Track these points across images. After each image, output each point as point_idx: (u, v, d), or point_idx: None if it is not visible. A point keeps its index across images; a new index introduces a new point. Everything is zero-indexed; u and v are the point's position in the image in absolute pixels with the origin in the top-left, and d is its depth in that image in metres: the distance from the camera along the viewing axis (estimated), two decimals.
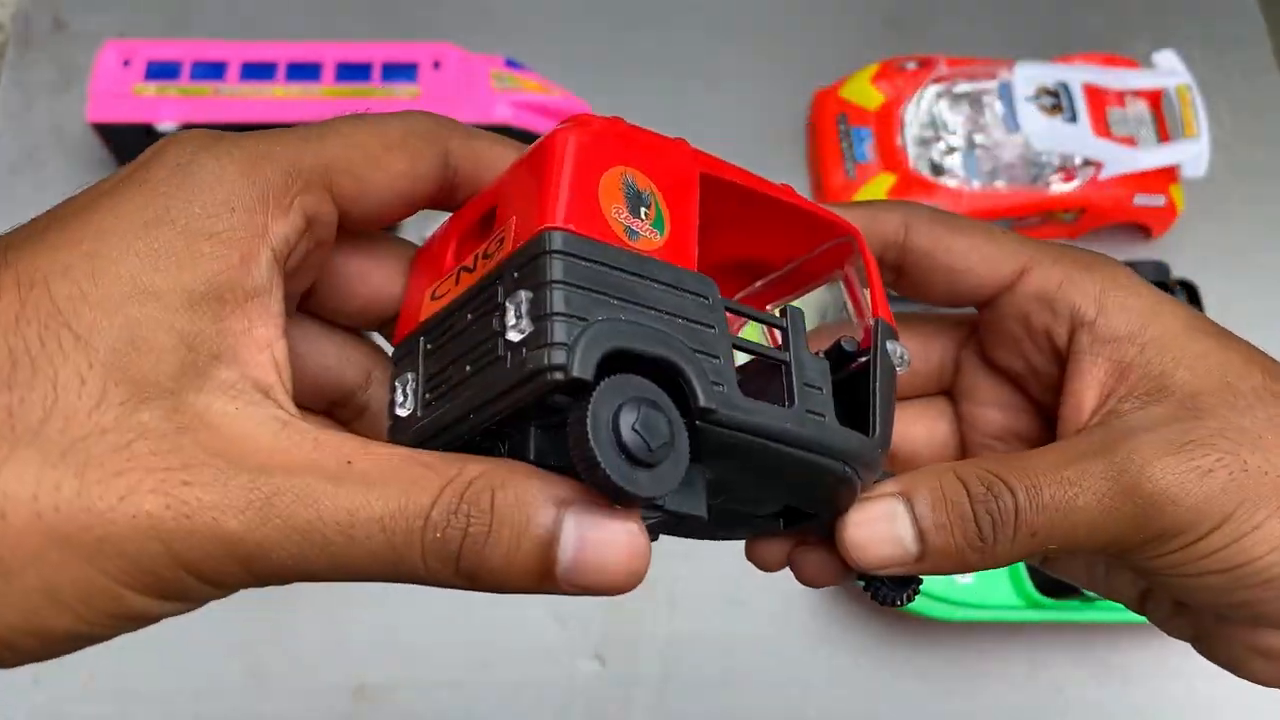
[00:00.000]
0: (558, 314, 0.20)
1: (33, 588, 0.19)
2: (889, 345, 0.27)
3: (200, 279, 0.21)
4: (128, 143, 0.73)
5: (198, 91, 0.72)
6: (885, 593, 0.29)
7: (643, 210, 0.23)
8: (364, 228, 0.25)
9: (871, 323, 0.28)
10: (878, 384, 0.26)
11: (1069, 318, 0.29)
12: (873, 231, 0.31)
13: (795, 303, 0.28)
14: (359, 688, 0.64)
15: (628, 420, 0.20)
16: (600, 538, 0.21)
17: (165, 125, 0.71)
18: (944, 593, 0.63)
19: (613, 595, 0.22)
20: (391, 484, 0.20)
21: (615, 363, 0.21)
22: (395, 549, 0.20)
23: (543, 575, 0.21)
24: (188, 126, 0.70)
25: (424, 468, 0.21)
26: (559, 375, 0.20)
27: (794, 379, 0.24)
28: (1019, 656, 0.67)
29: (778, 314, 0.26)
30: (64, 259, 0.20)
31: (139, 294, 0.20)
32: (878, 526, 0.27)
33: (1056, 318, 0.30)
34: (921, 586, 0.29)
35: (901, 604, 0.29)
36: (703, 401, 0.22)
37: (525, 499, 0.21)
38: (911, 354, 0.29)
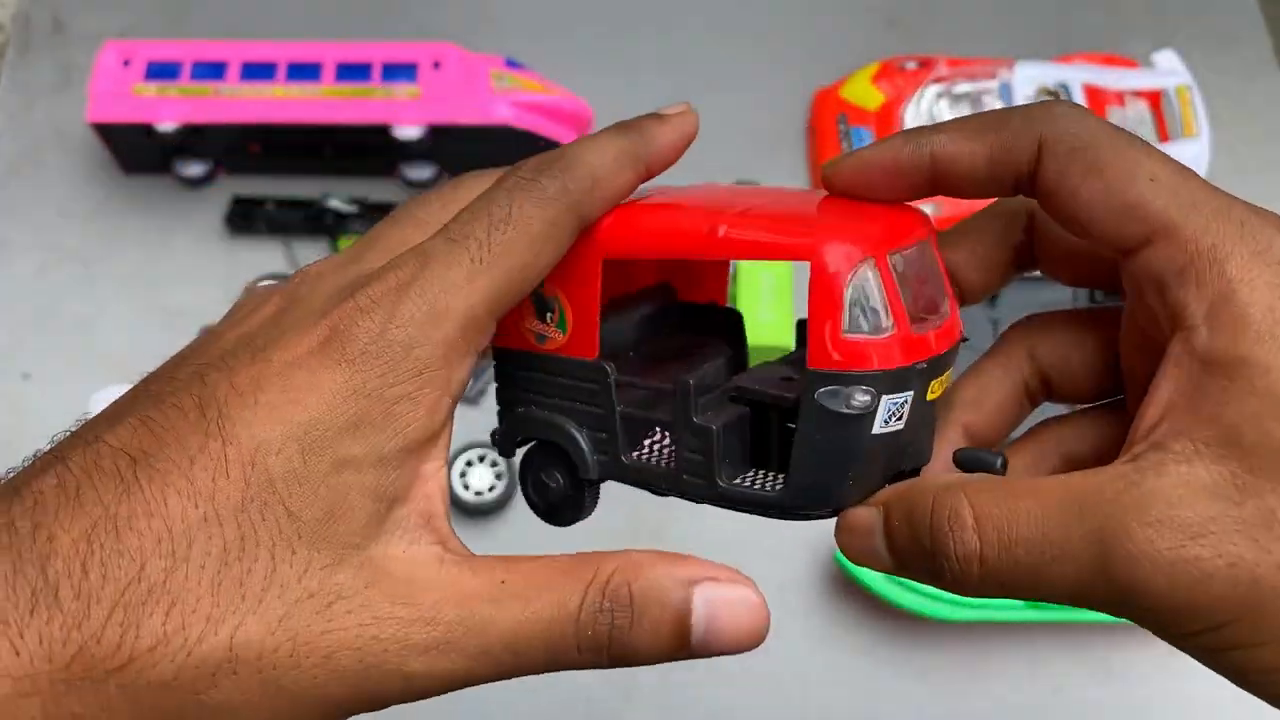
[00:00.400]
0: (499, 408, 0.30)
1: None
2: (845, 392, 0.25)
3: (392, 440, 0.24)
4: (128, 143, 0.74)
5: (198, 91, 0.72)
6: None
7: (548, 315, 0.28)
8: None
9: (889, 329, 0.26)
10: (802, 438, 0.26)
11: (1173, 315, 0.24)
12: (1000, 165, 0.26)
13: None
14: None
15: (533, 481, 0.30)
16: (727, 607, 0.24)
17: (165, 125, 0.71)
18: (943, 593, 0.63)
19: (742, 653, 0.25)
20: (542, 595, 0.24)
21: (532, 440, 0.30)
22: (554, 651, 0.24)
23: (679, 647, 0.24)
24: (188, 126, 0.71)
25: (564, 574, 0.24)
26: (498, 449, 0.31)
27: (678, 448, 0.28)
28: (1018, 656, 0.67)
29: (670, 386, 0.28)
30: (277, 437, 0.23)
31: (339, 466, 0.23)
32: (858, 535, 0.26)
33: (1165, 309, 0.24)
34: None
35: None
36: (581, 473, 0.29)
37: (659, 585, 0.24)
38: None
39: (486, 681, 0.25)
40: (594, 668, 0.24)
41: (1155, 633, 0.24)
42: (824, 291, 0.26)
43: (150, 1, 0.85)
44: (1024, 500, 0.23)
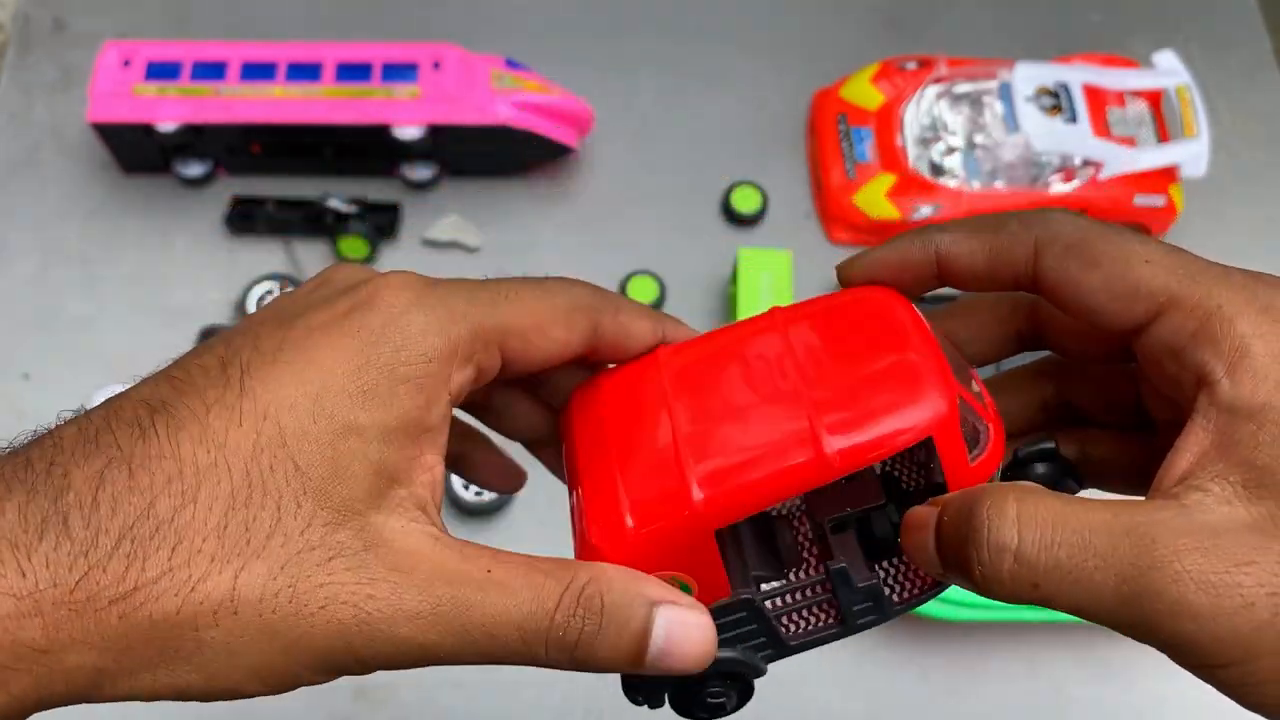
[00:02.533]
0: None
1: (243, 666, 0.24)
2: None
3: (395, 417, 0.26)
4: (128, 143, 0.74)
5: (198, 91, 0.72)
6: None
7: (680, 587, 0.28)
8: (515, 375, 0.30)
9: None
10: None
11: (1195, 375, 0.25)
12: (1000, 264, 0.28)
13: None
14: (359, 688, 0.64)
15: (704, 705, 0.30)
16: (683, 629, 0.27)
17: (165, 125, 0.71)
18: (950, 595, 0.63)
19: (687, 673, 0.28)
20: (524, 590, 0.25)
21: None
22: (527, 644, 0.25)
23: (636, 658, 0.27)
24: (188, 126, 0.71)
25: (545, 575, 0.26)
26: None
27: (845, 623, 0.29)
28: (1018, 656, 0.67)
29: (823, 574, 0.29)
30: (291, 395, 0.25)
31: (347, 431, 0.25)
32: (914, 531, 0.27)
33: (1184, 371, 0.26)
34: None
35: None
36: (754, 676, 0.29)
37: (627, 600, 0.26)
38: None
39: (461, 662, 0.26)
40: (555, 667, 0.26)
41: (1182, 662, 0.24)
42: (947, 441, 0.26)
43: (150, 2, 0.85)
44: (1073, 507, 0.24)
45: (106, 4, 0.85)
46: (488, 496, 0.67)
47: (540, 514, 0.69)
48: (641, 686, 0.30)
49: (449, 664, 0.26)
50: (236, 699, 0.25)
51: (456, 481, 0.67)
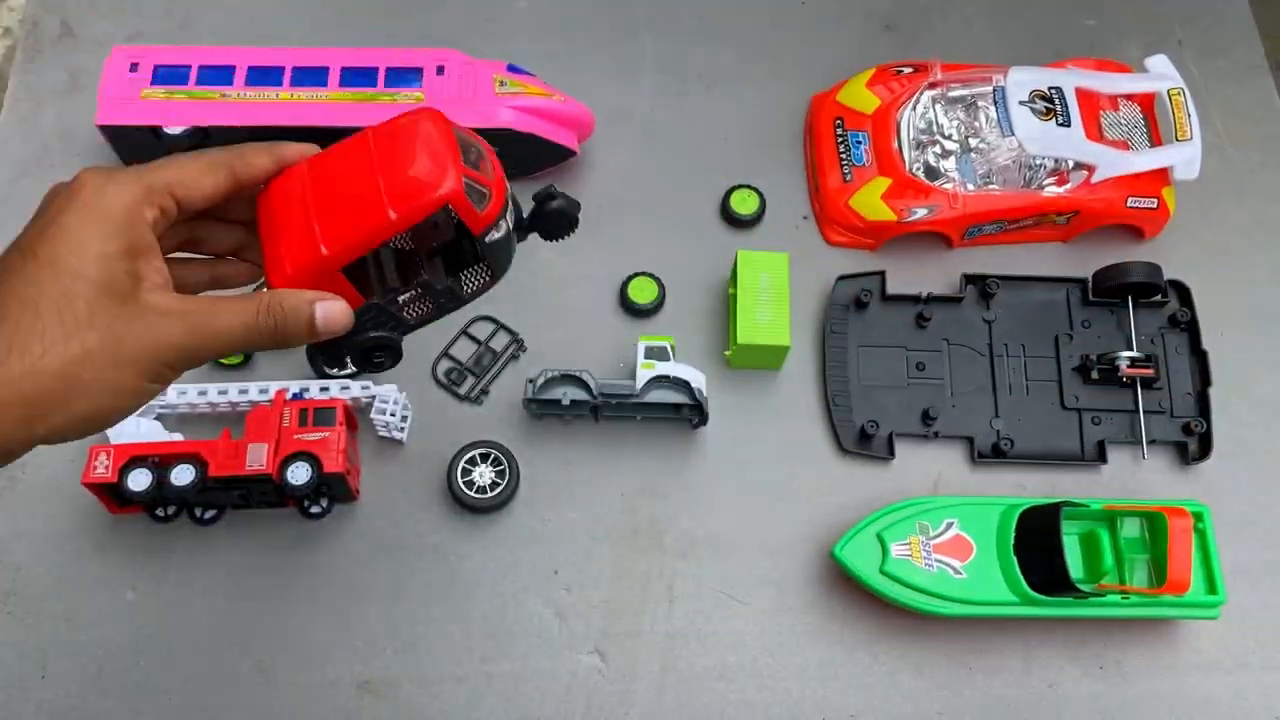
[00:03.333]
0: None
1: (110, 390, 0.41)
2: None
3: (121, 247, 0.41)
4: (135, 145, 0.75)
5: (205, 96, 0.73)
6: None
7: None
8: (194, 211, 0.45)
9: None
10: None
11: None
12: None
13: None
14: (363, 682, 0.65)
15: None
16: (330, 311, 0.44)
17: (173, 128, 0.72)
18: (939, 588, 0.64)
19: (339, 335, 0.45)
20: (238, 307, 0.42)
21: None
22: (248, 334, 0.42)
23: (310, 333, 0.44)
24: (196, 130, 0.72)
25: (248, 300, 0.43)
26: None
27: (440, 307, 0.49)
28: (1013, 652, 0.68)
29: None
30: (64, 254, 0.40)
31: (103, 259, 0.41)
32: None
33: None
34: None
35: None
36: (391, 344, 0.49)
37: (296, 300, 0.43)
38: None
39: (215, 355, 0.42)
40: (267, 348, 0.44)
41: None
42: (460, 203, 0.44)
43: (157, 7, 0.86)
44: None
45: (113, 9, 0.86)
46: (488, 495, 0.68)
47: (541, 512, 0.70)
48: (321, 354, 0.47)
49: (209, 357, 0.42)
50: (111, 419, 0.41)
51: (460, 483, 0.68)
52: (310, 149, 0.47)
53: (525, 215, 0.50)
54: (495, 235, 0.46)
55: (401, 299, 0.47)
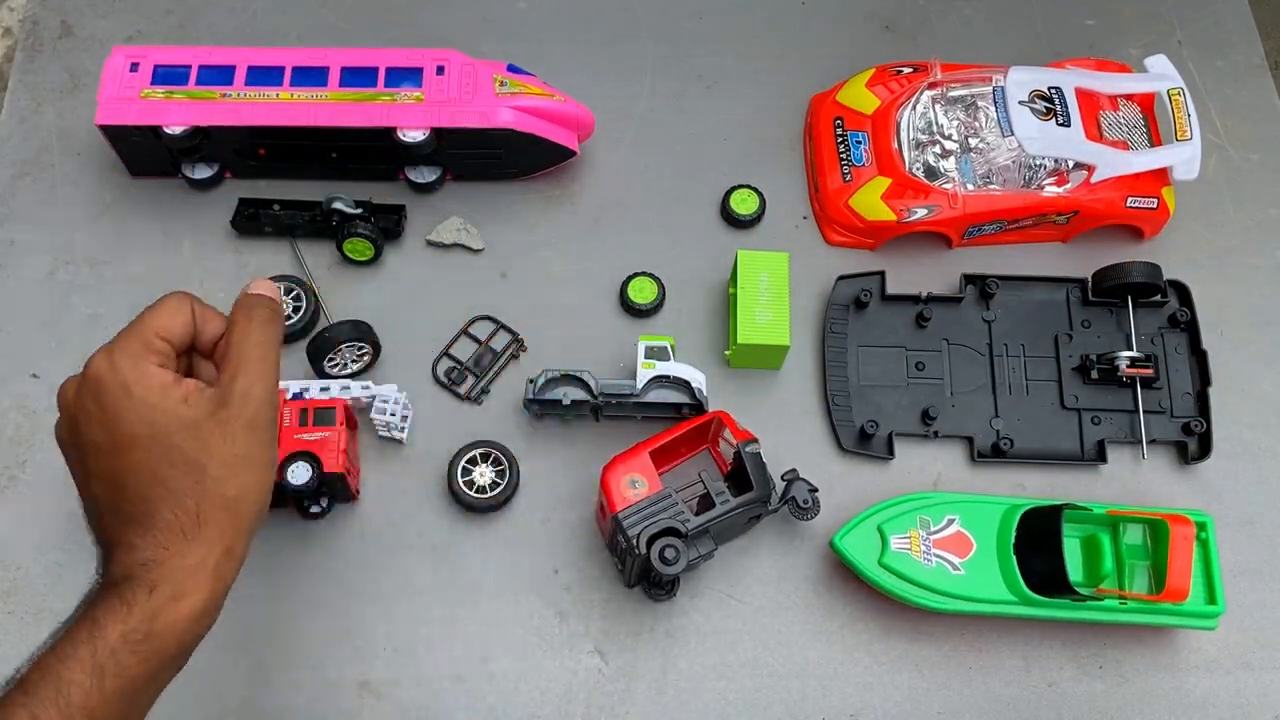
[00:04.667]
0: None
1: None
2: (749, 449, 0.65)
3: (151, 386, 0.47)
4: (135, 146, 0.75)
5: (205, 95, 0.73)
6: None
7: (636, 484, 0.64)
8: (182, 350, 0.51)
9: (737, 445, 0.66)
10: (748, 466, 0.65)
11: None
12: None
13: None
14: (363, 682, 0.65)
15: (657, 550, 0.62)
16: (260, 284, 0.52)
17: (173, 128, 0.72)
18: (936, 583, 0.64)
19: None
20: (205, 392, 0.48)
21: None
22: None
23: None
24: (195, 130, 0.72)
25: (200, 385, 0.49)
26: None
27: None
28: (1013, 651, 0.68)
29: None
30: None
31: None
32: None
33: None
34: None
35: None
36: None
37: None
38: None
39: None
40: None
41: None
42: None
43: (157, 7, 0.86)
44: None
45: (114, 9, 0.86)
46: (488, 495, 0.68)
47: (541, 512, 0.70)
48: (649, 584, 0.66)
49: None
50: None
51: (460, 483, 0.68)
52: (267, 285, 0.52)
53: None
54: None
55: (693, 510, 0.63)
